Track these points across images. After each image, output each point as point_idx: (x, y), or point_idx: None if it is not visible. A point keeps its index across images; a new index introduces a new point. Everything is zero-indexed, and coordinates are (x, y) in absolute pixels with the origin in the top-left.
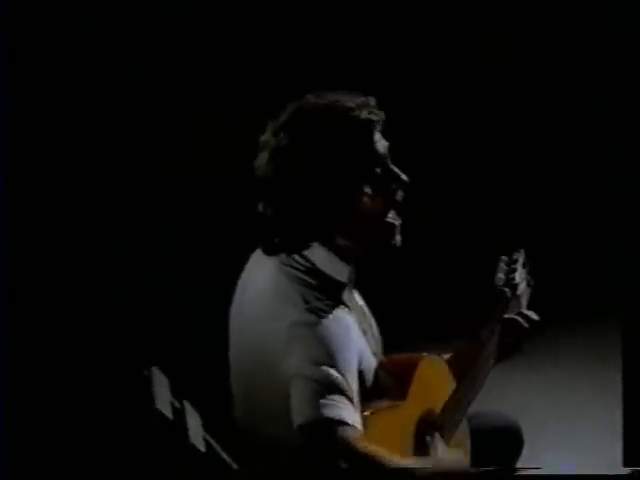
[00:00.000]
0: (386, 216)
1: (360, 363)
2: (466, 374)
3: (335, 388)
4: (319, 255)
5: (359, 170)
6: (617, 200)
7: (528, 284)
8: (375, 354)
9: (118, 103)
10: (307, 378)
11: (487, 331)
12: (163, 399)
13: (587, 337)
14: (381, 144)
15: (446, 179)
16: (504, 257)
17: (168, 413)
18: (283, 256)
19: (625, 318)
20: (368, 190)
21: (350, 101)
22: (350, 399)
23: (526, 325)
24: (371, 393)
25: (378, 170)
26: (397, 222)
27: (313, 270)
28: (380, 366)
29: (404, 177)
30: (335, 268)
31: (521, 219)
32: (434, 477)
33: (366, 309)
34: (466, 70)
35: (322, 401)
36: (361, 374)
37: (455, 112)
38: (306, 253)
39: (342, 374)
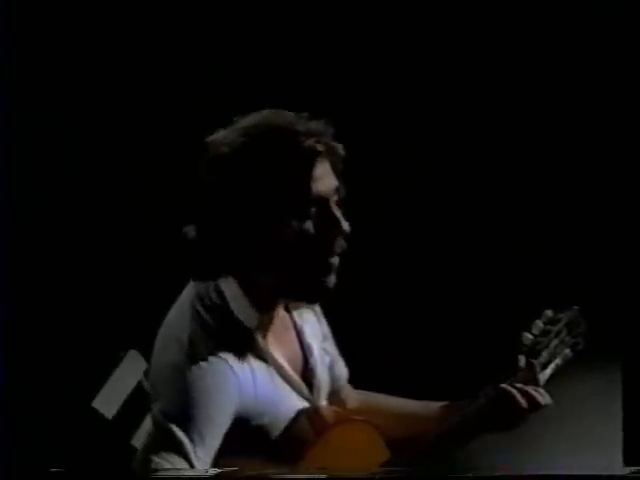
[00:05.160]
0: (316, 256)
1: (251, 419)
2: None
3: (175, 449)
4: (231, 291)
5: (286, 203)
6: None
7: (573, 349)
8: (308, 399)
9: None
10: (156, 427)
11: (473, 405)
12: (114, 391)
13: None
14: (324, 181)
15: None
16: (548, 312)
17: (107, 412)
18: (202, 287)
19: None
20: (297, 226)
21: (303, 126)
22: (191, 462)
23: (524, 405)
24: (276, 445)
25: (313, 209)
26: (332, 260)
27: (220, 308)
28: (307, 415)
29: (345, 226)
30: (242, 309)
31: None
32: None
33: (314, 344)
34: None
35: (156, 458)
36: (261, 428)
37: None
38: (222, 288)
39: (192, 435)
